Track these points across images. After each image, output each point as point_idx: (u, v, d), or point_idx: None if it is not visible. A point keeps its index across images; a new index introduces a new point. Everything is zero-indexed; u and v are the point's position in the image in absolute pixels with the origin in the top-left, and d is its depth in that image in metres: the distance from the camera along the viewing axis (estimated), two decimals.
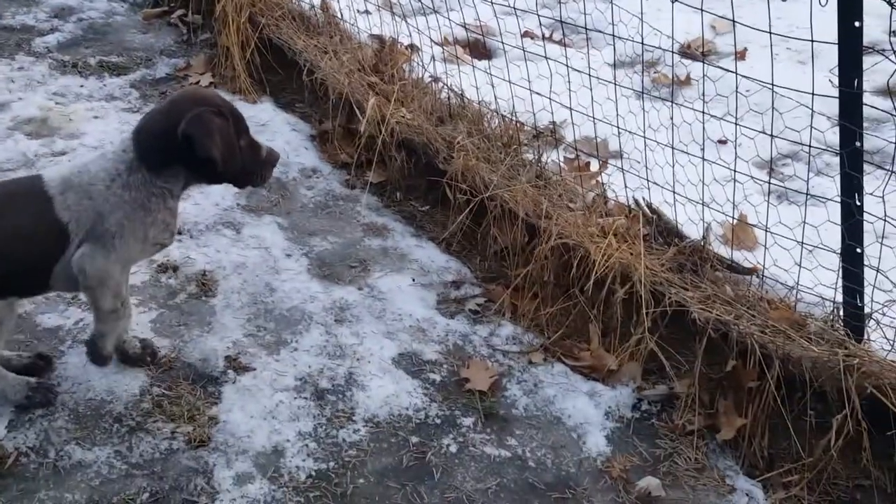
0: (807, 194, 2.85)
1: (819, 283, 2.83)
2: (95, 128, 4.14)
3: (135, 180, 2.61)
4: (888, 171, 2.52)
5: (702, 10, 2.95)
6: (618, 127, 3.31)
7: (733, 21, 2.81)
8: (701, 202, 3.10)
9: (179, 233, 3.56)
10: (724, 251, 3.20)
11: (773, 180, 3.79)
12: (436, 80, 4.17)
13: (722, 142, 4.04)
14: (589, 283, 3.05)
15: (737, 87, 2.96)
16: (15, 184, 2.80)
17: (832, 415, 2.58)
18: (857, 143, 2.51)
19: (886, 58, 2.29)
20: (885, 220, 2.59)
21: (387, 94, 3.94)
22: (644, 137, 3.24)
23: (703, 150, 3.10)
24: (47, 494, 2.52)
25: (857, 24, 2.41)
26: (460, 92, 3.96)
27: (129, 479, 2.59)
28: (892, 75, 2.28)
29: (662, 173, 3.30)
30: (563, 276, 3.18)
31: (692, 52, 5.01)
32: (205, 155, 2.55)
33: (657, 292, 2.98)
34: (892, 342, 2.63)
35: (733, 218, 3.14)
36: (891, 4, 2.27)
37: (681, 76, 4.67)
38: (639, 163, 3.58)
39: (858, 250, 2.64)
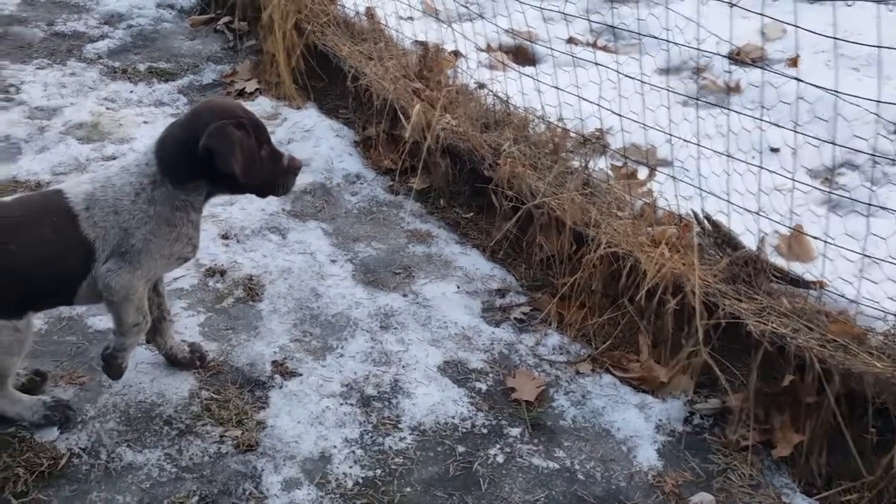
0: (868, 204, 2.78)
1: (882, 296, 2.76)
2: (144, 132, 4.18)
3: (159, 194, 2.58)
4: None
5: (761, 14, 2.89)
6: (669, 134, 3.26)
7: (795, 26, 2.74)
8: (756, 212, 3.05)
9: (226, 237, 3.59)
10: (778, 262, 3.14)
11: (831, 189, 3.73)
12: (481, 86, 4.15)
13: (774, 150, 3.98)
14: (640, 293, 3.01)
15: (797, 95, 2.90)
16: (37, 200, 2.75)
17: (894, 432, 2.51)
18: None
19: None
20: None
21: (431, 101, 3.93)
22: (697, 145, 3.19)
23: (760, 155, 3.05)
24: (99, 496, 2.53)
25: None
26: (505, 98, 3.93)
27: (179, 482, 2.59)
28: None
29: (711, 182, 3.26)
30: (612, 285, 3.14)
31: (742, 58, 4.94)
32: (225, 169, 2.51)
33: (710, 303, 2.93)
34: None
35: (789, 228, 3.08)
36: None
37: (731, 82, 4.62)
38: (688, 171, 3.53)
39: None
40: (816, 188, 3.07)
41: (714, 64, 4.85)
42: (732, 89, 4.58)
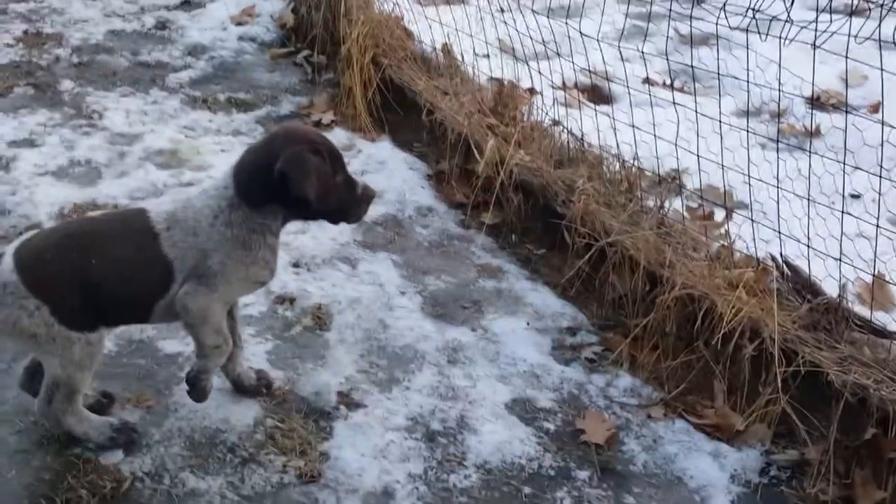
0: None
1: None
2: (222, 161, 4.23)
3: (236, 217, 2.60)
4: None
5: (846, 57, 2.82)
6: (748, 175, 3.20)
7: (881, 69, 2.66)
8: (838, 258, 2.95)
9: (297, 265, 3.60)
10: (859, 310, 3.03)
11: None
12: (556, 123, 4.12)
13: (855, 196, 3.87)
14: (715, 337, 2.92)
15: (882, 140, 2.81)
16: (121, 217, 2.82)
17: None
18: None
19: None
20: None
21: (505, 136, 3.91)
22: (777, 188, 3.12)
23: (841, 200, 2.96)
24: None
25: None
26: (580, 135, 3.89)
27: None
28: None
29: (790, 225, 3.17)
30: (686, 327, 3.06)
31: (822, 102, 4.83)
32: (299, 194, 2.52)
33: (789, 350, 2.83)
34: None
35: (872, 275, 2.97)
36: None
37: (811, 127, 4.51)
38: (766, 214, 3.44)
39: None
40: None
41: (793, 108, 4.75)
42: (813, 133, 4.48)
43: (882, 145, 2.85)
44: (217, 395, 2.93)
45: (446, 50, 4.79)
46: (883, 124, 2.81)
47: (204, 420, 2.85)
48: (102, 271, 2.56)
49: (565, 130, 3.98)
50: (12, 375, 2.94)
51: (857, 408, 2.66)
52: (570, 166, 3.80)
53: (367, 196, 2.75)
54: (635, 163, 3.68)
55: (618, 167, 3.77)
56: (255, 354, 3.13)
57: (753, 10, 2.82)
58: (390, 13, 4.87)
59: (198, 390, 2.78)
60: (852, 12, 2.64)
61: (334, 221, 2.84)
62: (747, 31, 3.25)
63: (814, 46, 2.76)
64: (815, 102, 4.85)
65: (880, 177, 2.82)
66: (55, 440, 2.74)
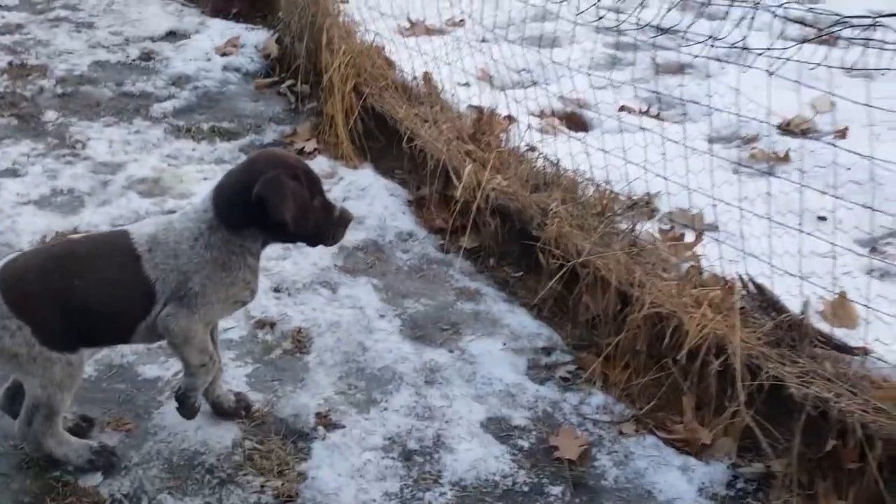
0: None
1: None
2: (204, 189, 4.27)
3: (216, 240, 2.67)
4: None
5: (799, 83, 2.92)
6: (713, 197, 3.29)
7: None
8: (800, 276, 3.04)
9: (278, 290, 3.67)
10: (822, 328, 3.11)
11: (876, 257, 3.70)
12: (532, 149, 4.22)
13: (822, 218, 3.96)
14: (682, 354, 2.99)
15: (833, 162, 2.90)
16: (104, 238, 2.89)
17: None
18: None
19: None
20: None
21: (483, 162, 3.99)
22: (739, 208, 3.20)
23: (802, 221, 3.05)
24: None
25: None
26: (555, 161, 3.99)
27: None
28: None
29: (755, 246, 3.26)
30: (656, 345, 3.14)
31: (791, 128, 4.95)
32: (277, 218, 2.60)
33: (753, 366, 2.91)
34: None
35: (833, 294, 3.05)
36: None
37: (779, 152, 4.62)
38: (733, 235, 3.53)
39: None
40: (857, 253, 3.04)
41: (763, 135, 4.87)
42: (780, 158, 4.59)
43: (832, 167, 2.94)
44: (197, 417, 2.99)
45: (427, 78, 4.89)
46: (833, 145, 2.90)
47: (183, 442, 2.91)
48: (85, 292, 2.63)
49: (541, 156, 4.07)
50: None
51: (819, 420, 2.74)
52: (545, 190, 3.88)
53: (345, 220, 2.83)
54: (608, 186, 3.77)
55: (592, 191, 3.86)
56: (234, 377, 3.19)
57: (713, 37, 2.92)
58: (371, 43, 4.97)
59: (186, 408, 2.85)
60: (804, 41, 2.73)
61: (313, 244, 2.91)
62: (718, 60, 3.38)
63: (769, 73, 2.86)
64: (785, 128, 4.99)
65: (834, 196, 2.91)
66: (34, 464, 2.80)
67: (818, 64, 2.73)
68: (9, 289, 2.59)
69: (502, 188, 3.87)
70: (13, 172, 4.50)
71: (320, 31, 4.94)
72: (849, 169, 3.74)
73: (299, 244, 2.94)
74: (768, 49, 2.84)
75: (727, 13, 2.95)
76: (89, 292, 2.64)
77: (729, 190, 3.41)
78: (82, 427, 2.92)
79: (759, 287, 3.25)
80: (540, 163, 4.07)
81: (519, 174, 3.97)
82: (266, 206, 2.61)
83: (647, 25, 3.33)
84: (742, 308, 3.15)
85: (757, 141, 4.81)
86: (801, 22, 3.27)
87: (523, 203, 3.76)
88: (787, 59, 2.71)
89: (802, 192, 3.15)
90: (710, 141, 4.53)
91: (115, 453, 2.83)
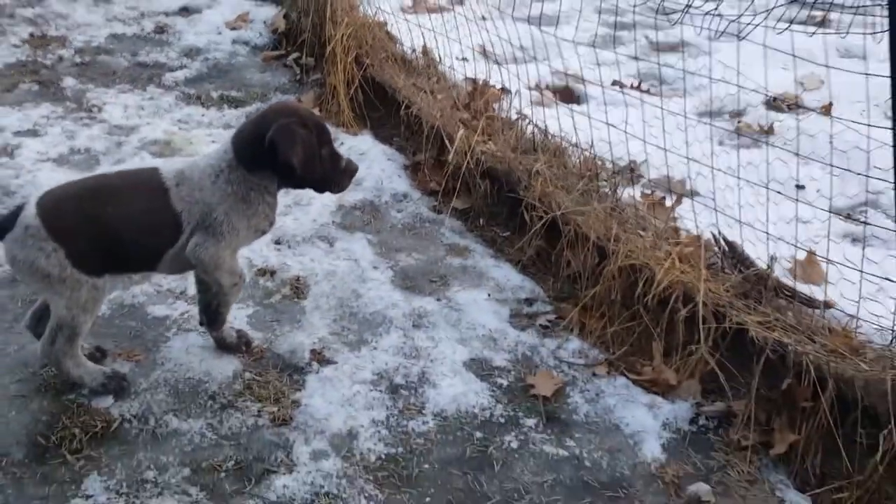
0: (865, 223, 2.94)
1: (884, 312, 2.91)
2: (212, 150, 4.52)
3: (235, 177, 2.95)
4: None
5: (794, 56, 3.11)
6: (687, 157, 3.48)
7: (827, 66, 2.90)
8: (766, 232, 3.24)
9: (279, 242, 3.89)
10: (789, 283, 3.32)
11: (846, 220, 3.90)
12: (522, 116, 4.42)
13: (800, 186, 4.16)
14: (649, 299, 3.21)
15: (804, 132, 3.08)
16: (136, 174, 3.16)
17: (881, 434, 2.66)
18: None
19: None
20: None
21: (474, 128, 4.21)
22: (712, 168, 3.40)
23: (766, 188, 3.25)
24: (145, 455, 2.82)
25: None
26: (543, 128, 4.20)
27: (218, 448, 2.86)
28: None
29: (736, 211, 3.45)
30: (630, 295, 3.35)
31: (779, 104, 5.14)
32: (285, 161, 2.87)
33: (719, 314, 3.12)
34: None
35: (796, 249, 3.25)
36: None
37: (764, 125, 4.82)
38: (713, 200, 3.73)
39: None
40: (830, 213, 3.23)
41: (750, 110, 5.07)
42: (766, 131, 4.79)
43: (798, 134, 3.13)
44: (201, 351, 3.23)
45: (425, 52, 5.11)
46: (803, 108, 3.10)
47: (188, 372, 3.14)
48: (117, 220, 2.88)
49: (530, 123, 4.28)
50: (14, 333, 3.24)
51: (778, 364, 2.95)
52: (533, 155, 4.09)
53: (350, 170, 3.10)
54: (591, 150, 3.97)
55: (577, 156, 4.07)
56: (237, 318, 3.41)
57: (689, 6, 3.12)
58: (374, 17, 5.18)
59: (218, 322, 3.16)
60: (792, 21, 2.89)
61: (320, 190, 3.17)
62: (711, 38, 3.56)
63: (738, 38, 3.06)
64: (773, 104, 5.18)
65: (799, 157, 3.10)
66: (52, 387, 3.04)
67: (785, 28, 2.92)
68: (47, 214, 2.83)
69: (492, 152, 4.08)
70: (34, 133, 4.73)
71: (325, 6, 5.15)
72: (830, 142, 3.94)
73: (309, 190, 3.17)
74: (739, 16, 3.04)
75: None
76: (121, 221, 2.89)
77: (712, 160, 3.59)
78: (96, 356, 3.16)
79: (730, 244, 3.45)
80: (529, 129, 4.28)
81: (508, 139, 4.18)
82: (277, 150, 2.87)
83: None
84: (713, 263, 3.37)
85: (744, 115, 5.01)
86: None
87: (511, 166, 3.97)
88: (756, 26, 2.91)
89: (778, 163, 3.33)
90: (699, 114, 4.72)
91: (126, 379, 3.07)
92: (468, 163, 4.09)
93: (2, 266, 3.48)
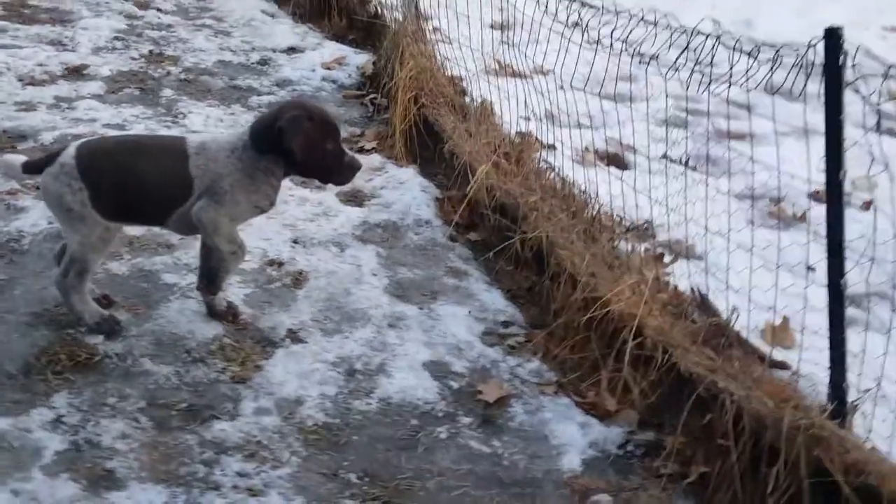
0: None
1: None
2: (235, 131, 4.91)
3: (246, 156, 3.33)
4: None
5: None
6: (706, 229, 3.61)
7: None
8: (749, 299, 3.36)
9: (296, 241, 4.24)
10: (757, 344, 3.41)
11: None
12: (551, 168, 4.66)
13: (811, 268, 4.21)
14: (606, 334, 3.37)
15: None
16: (166, 139, 3.67)
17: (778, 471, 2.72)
18: None
19: None
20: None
21: (498, 166, 4.48)
22: (704, 231, 3.50)
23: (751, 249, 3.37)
24: (113, 385, 3.17)
25: None
26: (563, 175, 4.42)
27: (177, 391, 3.18)
28: None
29: (737, 278, 3.46)
30: (590, 325, 3.50)
31: (820, 196, 5.18)
32: (288, 146, 3.25)
33: (665, 351, 3.24)
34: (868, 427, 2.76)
35: (774, 314, 3.33)
36: None
37: (798, 213, 4.90)
38: (717, 266, 3.84)
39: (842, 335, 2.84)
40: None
41: (792, 198, 5.12)
42: (798, 218, 4.86)
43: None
44: (192, 314, 3.58)
45: (484, 103, 5.43)
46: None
47: (174, 328, 3.49)
48: (140, 173, 3.31)
49: (551, 169, 4.52)
50: (44, 277, 3.68)
51: (710, 402, 3.05)
52: (548, 198, 4.32)
53: (353, 165, 3.44)
54: (608, 207, 4.13)
55: (590, 208, 4.26)
56: (234, 294, 3.75)
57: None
58: (441, 65, 5.58)
59: (214, 287, 3.49)
60: None
61: (324, 180, 3.56)
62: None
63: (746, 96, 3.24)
64: (815, 196, 5.23)
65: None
66: (56, 322, 3.45)
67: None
68: (82, 157, 3.29)
69: (507, 189, 4.34)
70: (121, 126, 5.30)
71: (397, 51, 5.59)
72: (862, 236, 3.87)
73: (337, 203, 3.54)
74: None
75: None
76: (143, 175, 3.32)
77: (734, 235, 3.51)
78: (102, 303, 3.55)
79: (703, 296, 3.58)
80: (551, 175, 4.51)
81: (528, 182, 4.42)
82: (282, 137, 3.23)
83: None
84: (682, 311, 3.50)
85: (783, 201, 5.08)
86: None
87: (518, 202, 4.21)
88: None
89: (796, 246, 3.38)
90: (739, 196, 4.73)
91: (120, 324, 3.44)
92: (485, 197, 4.35)
93: (52, 224, 3.95)
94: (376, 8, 7.30)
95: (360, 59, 6.85)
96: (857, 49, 2.71)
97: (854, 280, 3.00)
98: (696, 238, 3.79)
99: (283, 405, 3.17)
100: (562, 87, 5.66)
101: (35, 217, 4.09)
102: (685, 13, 3.71)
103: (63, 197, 3.26)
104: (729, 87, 3.23)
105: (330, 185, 3.88)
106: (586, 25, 4.00)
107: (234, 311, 3.59)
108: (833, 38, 2.71)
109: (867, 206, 4.78)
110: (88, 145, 3.39)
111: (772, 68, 2.93)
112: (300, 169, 3.44)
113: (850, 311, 3.71)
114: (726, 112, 4.20)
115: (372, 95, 6.19)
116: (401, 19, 6.04)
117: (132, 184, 3.30)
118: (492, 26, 5.95)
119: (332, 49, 7.08)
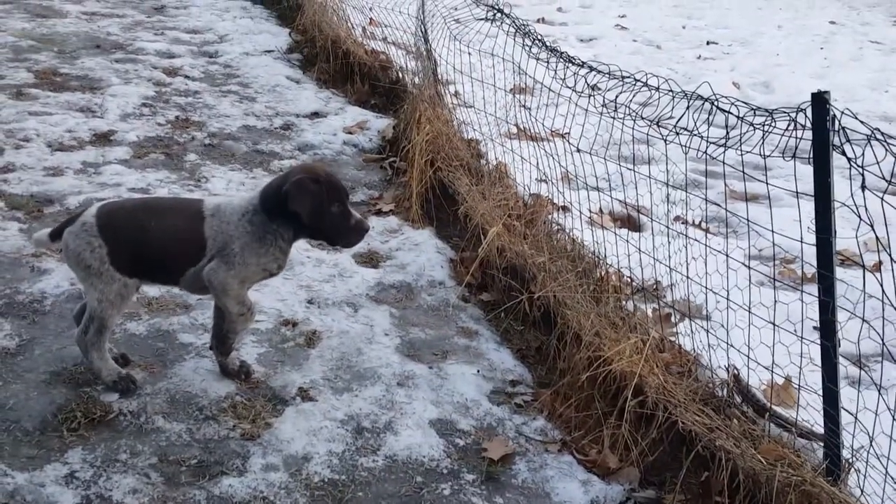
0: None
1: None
2: (248, 194, 5.05)
3: (256, 220, 3.45)
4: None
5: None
6: (688, 276, 3.70)
7: None
8: (748, 356, 3.40)
9: (311, 302, 4.35)
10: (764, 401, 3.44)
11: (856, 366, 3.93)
12: (561, 229, 4.76)
13: (817, 328, 4.24)
14: (609, 395, 3.41)
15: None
16: (184, 201, 3.79)
17: None
18: None
19: None
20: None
21: (510, 228, 4.58)
22: (704, 288, 3.59)
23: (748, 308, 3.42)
24: (126, 442, 3.26)
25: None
26: (573, 237, 4.51)
27: (188, 447, 3.26)
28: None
29: (740, 335, 3.50)
30: (593, 384, 3.55)
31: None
32: (294, 209, 3.35)
33: (667, 410, 3.28)
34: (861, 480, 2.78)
35: (772, 374, 3.38)
36: None
37: (808, 273, 4.93)
38: (723, 327, 3.89)
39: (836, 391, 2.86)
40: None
41: (800, 260, 5.15)
42: (808, 279, 4.88)
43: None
44: (206, 373, 3.68)
45: (500, 166, 5.56)
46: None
47: (188, 387, 3.59)
48: (157, 233, 3.44)
49: (566, 233, 4.61)
50: (64, 337, 3.80)
51: (708, 460, 3.08)
52: (558, 259, 4.40)
53: (360, 227, 3.52)
54: (604, 261, 4.24)
55: (600, 270, 4.34)
56: (248, 353, 3.85)
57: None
58: (458, 129, 5.72)
59: (226, 347, 3.59)
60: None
61: (331, 242, 3.64)
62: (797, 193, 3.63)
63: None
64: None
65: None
66: (74, 381, 3.55)
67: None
68: (102, 217, 3.44)
69: (517, 251, 4.43)
70: (145, 190, 5.48)
71: (414, 115, 5.75)
72: (871, 297, 3.90)
73: (352, 265, 3.62)
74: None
75: None
76: (160, 234, 3.45)
77: (737, 294, 3.60)
78: (119, 362, 3.66)
79: (743, 385, 3.62)
80: (562, 237, 4.60)
81: (539, 244, 4.51)
82: (288, 200, 3.35)
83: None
84: (686, 371, 3.54)
85: (793, 263, 5.13)
86: None
87: (527, 262, 4.30)
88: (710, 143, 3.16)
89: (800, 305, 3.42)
90: (750, 256, 4.83)
91: (135, 382, 3.54)
92: (496, 258, 4.45)
93: (73, 284, 4.10)
94: (397, 74, 7.53)
95: (381, 123, 7.04)
96: (842, 113, 2.79)
97: (854, 340, 3.05)
98: (702, 297, 3.84)
99: (291, 462, 3.24)
100: (578, 150, 5.84)
101: (58, 279, 4.24)
102: (705, 76, 3.82)
103: (82, 254, 3.40)
104: (724, 150, 3.31)
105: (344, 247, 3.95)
106: (603, 90, 4.10)
107: (247, 370, 3.69)
108: (819, 103, 2.80)
109: (877, 267, 4.80)
110: (109, 205, 3.55)
111: (763, 136, 3.00)
112: (308, 231, 3.55)
113: (854, 370, 3.80)
114: (741, 174, 4.33)
115: (391, 159, 6.35)
116: (419, 85, 6.23)
117: (149, 242, 3.44)
118: (511, 91, 6.11)
119: (355, 114, 7.29)
